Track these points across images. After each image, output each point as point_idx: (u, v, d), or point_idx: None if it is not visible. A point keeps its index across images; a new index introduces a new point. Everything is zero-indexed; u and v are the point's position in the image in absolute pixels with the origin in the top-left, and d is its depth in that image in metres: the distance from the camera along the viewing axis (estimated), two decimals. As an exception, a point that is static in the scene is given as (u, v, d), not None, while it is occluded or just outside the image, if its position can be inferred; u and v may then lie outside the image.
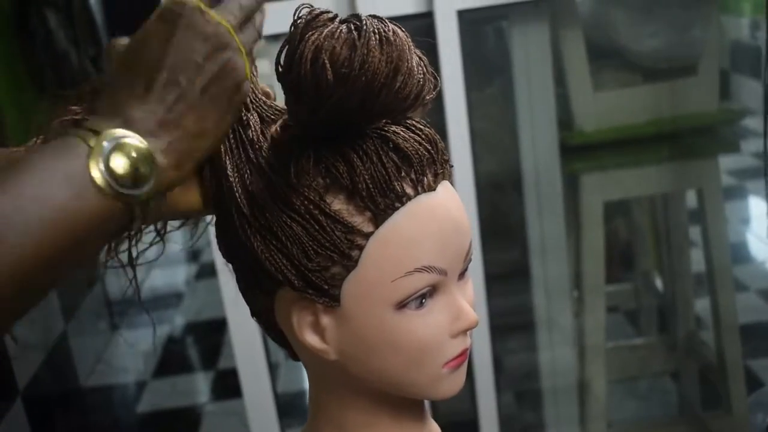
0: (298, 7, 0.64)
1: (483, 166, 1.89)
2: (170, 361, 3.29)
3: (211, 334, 3.36)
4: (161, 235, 0.72)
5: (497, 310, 1.94)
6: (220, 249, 0.73)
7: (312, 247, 0.65)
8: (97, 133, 0.52)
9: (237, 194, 0.67)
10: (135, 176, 0.53)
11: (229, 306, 1.78)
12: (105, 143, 0.52)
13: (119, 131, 0.53)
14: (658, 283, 2.53)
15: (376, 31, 0.62)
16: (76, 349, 2.90)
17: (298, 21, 0.64)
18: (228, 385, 2.88)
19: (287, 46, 0.63)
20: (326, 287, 0.66)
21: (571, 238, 2.08)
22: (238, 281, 0.73)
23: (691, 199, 2.23)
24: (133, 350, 3.39)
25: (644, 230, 2.49)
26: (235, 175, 0.68)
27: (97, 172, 0.51)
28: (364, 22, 0.62)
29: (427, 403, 0.79)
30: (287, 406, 2.28)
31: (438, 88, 0.68)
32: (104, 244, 0.56)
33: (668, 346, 2.41)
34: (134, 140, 0.53)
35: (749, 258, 3.41)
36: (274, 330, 0.74)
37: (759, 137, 1.49)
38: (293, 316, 0.68)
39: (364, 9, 1.70)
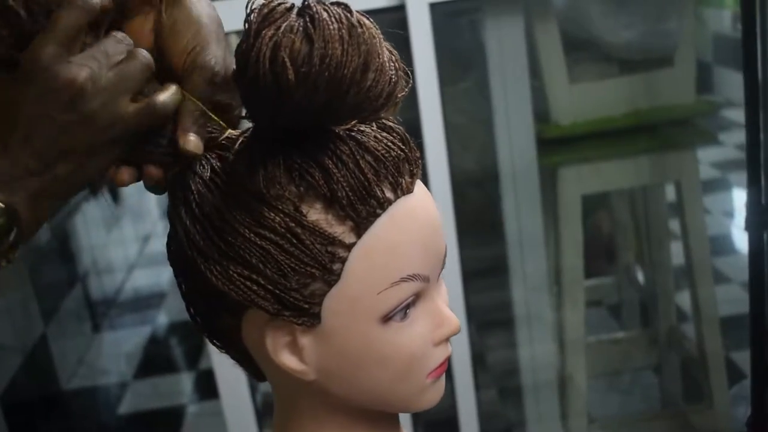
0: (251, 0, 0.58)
1: (459, 161, 1.88)
2: (152, 361, 3.27)
3: (193, 334, 3.33)
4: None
5: (476, 307, 1.93)
6: (174, 270, 0.66)
7: (288, 265, 0.60)
8: None
9: (185, 226, 0.62)
10: None
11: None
12: None
13: None
14: (640, 276, 2.52)
15: (335, 20, 0.56)
16: (57, 352, 2.87)
17: (252, 16, 0.57)
18: (210, 386, 2.86)
19: (243, 45, 0.57)
20: (306, 306, 0.61)
21: (549, 233, 2.07)
22: (193, 304, 0.67)
23: (671, 192, 2.22)
24: (115, 352, 3.37)
25: (625, 224, 2.48)
26: (183, 202, 0.63)
27: None
28: (318, 10, 0.56)
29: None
30: (269, 407, 2.26)
31: (410, 85, 0.62)
32: None
33: (651, 340, 2.40)
34: None
35: (733, 250, 3.40)
36: (236, 349, 0.68)
37: (742, 128, 1.48)
38: (267, 338, 0.63)
39: (335, 3, 1.68)
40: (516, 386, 2.19)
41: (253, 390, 1.88)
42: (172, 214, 0.63)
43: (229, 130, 0.66)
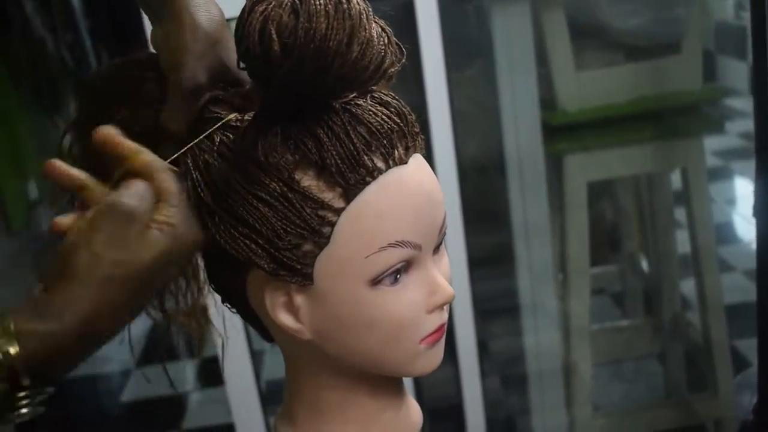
0: None
1: (465, 147, 1.87)
2: (155, 349, 3.26)
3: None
4: None
5: (481, 294, 1.92)
6: None
7: (282, 226, 0.64)
8: None
9: (198, 186, 0.67)
10: None
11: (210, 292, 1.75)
12: None
13: None
14: (644, 264, 2.51)
15: None
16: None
17: None
18: (213, 373, 2.86)
19: (239, 20, 0.62)
20: (298, 266, 0.66)
21: (555, 220, 2.06)
22: (206, 266, 0.74)
23: (676, 180, 2.21)
24: (117, 339, 3.36)
25: (630, 212, 2.47)
26: (196, 167, 0.68)
27: None
28: None
29: (411, 388, 0.79)
30: (273, 394, 2.26)
31: (403, 61, 0.66)
32: None
33: (654, 328, 2.40)
34: None
35: (736, 238, 3.40)
36: (247, 311, 0.74)
37: (745, 117, 1.48)
38: (266, 297, 0.68)
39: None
40: (521, 374, 2.19)
41: (258, 377, 1.88)
42: (189, 180, 0.68)
43: (236, 114, 0.71)
